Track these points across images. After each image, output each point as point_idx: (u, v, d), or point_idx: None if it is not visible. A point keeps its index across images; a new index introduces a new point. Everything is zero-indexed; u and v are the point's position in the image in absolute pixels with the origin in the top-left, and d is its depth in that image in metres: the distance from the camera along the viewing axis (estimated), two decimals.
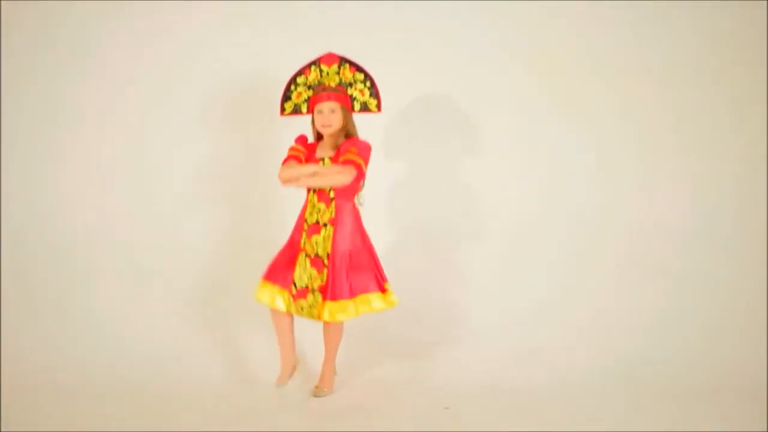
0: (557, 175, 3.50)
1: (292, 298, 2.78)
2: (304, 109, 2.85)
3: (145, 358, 3.18)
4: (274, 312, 2.81)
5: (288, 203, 3.01)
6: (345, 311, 2.73)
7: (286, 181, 2.75)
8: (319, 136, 2.86)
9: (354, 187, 2.79)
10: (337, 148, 2.79)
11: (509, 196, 3.49)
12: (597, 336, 3.26)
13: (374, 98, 2.84)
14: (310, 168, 2.74)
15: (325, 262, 2.75)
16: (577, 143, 3.49)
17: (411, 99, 3.47)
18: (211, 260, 3.50)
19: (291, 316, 2.83)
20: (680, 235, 3.43)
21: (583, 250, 3.47)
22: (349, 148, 2.74)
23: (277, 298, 2.77)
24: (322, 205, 2.79)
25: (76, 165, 3.54)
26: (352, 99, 2.83)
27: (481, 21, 3.48)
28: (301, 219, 2.83)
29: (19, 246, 3.50)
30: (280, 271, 2.79)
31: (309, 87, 2.83)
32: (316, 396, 2.88)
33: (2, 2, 3.47)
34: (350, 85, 2.83)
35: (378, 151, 2.90)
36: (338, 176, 2.70)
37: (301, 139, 2.86)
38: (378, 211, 2.94)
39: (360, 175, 2.75)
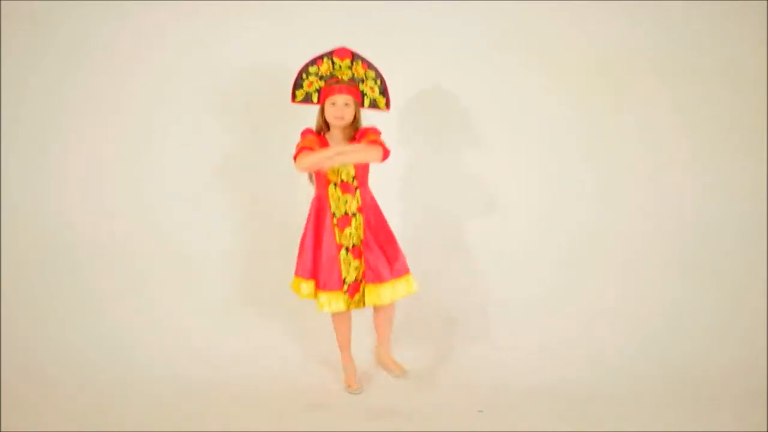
0: (568, 171, 3.51)
1: (348, 296, 2.83)
2: (315, 98, 2.88)
3: (147, 359, 3.18)
4: (336, 316, 2.90)
5: (293, 199, 3.02)
6: (393, 292, 2.82)
7: (308, 168, 2.74)
8: (322, 129, 2.88)
9: (367, 174, 2.86)
10: (351, 140, 2.82)
11: (527, 192, 3.51)
12: (613, 337, 3.27)
13: (383, 96, 2.88)
14: (334, 149, 2.71)
15: (361, 248, 2.82)
16: (587, 137, 3.50)
17: (419, 93, 3.47)
18: (216, 259, 3.51)
19: (350, 317, 2.93)
20: (689, 234, 3.44)
21: (591, 249, 3.48)
22: (368, 133, 2.79)
23: (336, 302, 2.82)
24: (348, 196, 2.83)
25: (79, 163, 3.52)
26: (363, 95, 2.86)
27: (489, 16, 3.47)
28: (320, 215, 2.85)
29: (19, 246, 3.48)
30: (327, 275, 2.83)
31: (321, 78, 2.85)
32: (398, 378, 2.93)
33: (2, 2, 3.47)
34: (362, 81, 2.86)
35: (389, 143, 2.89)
36: (370, 151, 2.71)
37: (308, 132, 2.86)
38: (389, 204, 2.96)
39: (386, 154, 2.76)
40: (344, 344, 2.98)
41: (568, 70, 3.47)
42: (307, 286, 2.87)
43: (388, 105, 2.88)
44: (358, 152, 2.72)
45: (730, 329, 3.26)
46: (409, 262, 2.92)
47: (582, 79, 3.46)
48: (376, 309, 2.93)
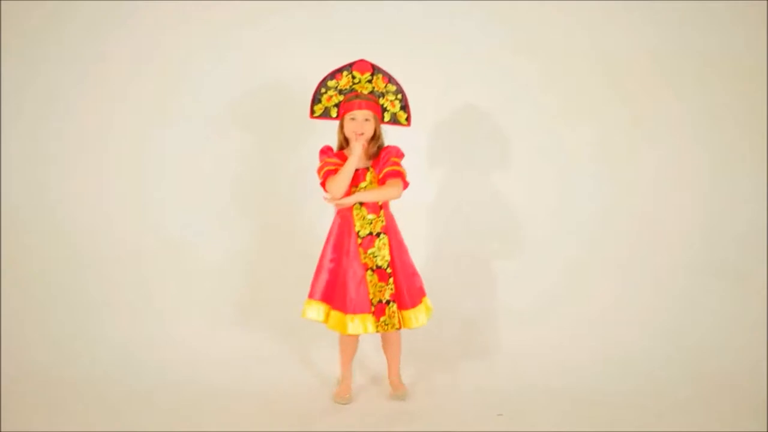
0: (579, 178, 3.54)
1: (374, 318, 2.75)
2: (333, 113, 2.82)
3: (147, 361, 3.16)
4: (347, 336, 2.80)
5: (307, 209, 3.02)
6: (423, 313, 2.79)
7: (339, 198, 2.72)
8: (342, 145, 2.82)
9: None
10: (375, 157, 2.78)
11: (549, 203, 3.54)
12: (624, 339, 3.28)
13: (404, 111, 2.83)
14: (355, 196, 2.72)
15: (389, 270, 2.76)
16: (600, 144, 3.53)
17: (438, 111, 3.48)
18: (219, 265, 3.51)
19: (358, 337, 2.84)
20: (697, 238, 3.47)
21: (601, 254, 3.50)
22: (390, 158, 2.75)
23: (364, 325, 2.73)
24: (373, 216, 2.77)
25: (82, 166, 3.53)
26: (383, 109, 2.81)
27: (498, 26, 3.51)
28: (342, 235, 2.78)
29: (20, 246, 3.47)
30: (354, 297, 2.74)
31: (340, 92, 2.80)
32: (399, 399, 2.86)
33: (2, 2, 3.47)
34: (382, 95, 2.80)
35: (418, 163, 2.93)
36: (391, 191, 2.73)
37: (328, 150, 2.80)
38: (418, 222, 2.93)
39: (405, 185, 2.76)
40: (348, 361, 2.90)
41: (581, 78, 3.51)
42: (316, 308, 2.78)
43: (408, 120, 2.83)
44: (378, 193, 2.74)
45: (734, 332, 3.26)
46: (429, 273, 2.90)
47: (592, 85, 3.52)
48: (386, 335, 2.87)
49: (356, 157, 2.71)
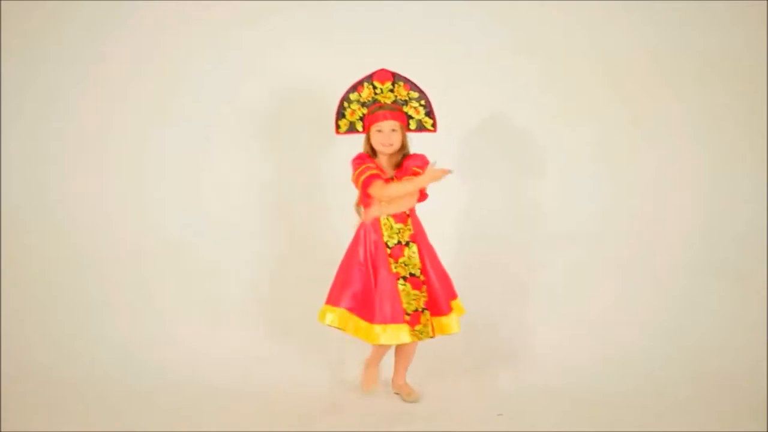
0: (589, 182, 3.53)
1: (410, 327, 2.71)
2: (359, 127, 2.78)
3: (148, 361, 3.16)
4: (380, 346, 2.78)
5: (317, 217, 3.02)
6: (451, 323, 2.75)
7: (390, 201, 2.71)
8: (370, 155, 2.78)
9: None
10: (399, 167, 2.75)
11: (549, 203, 3.52)
12: (626, 340, 3.27)
13: (429, 117, 2.79)
14: (378, 208, 2.71)
15: (421, 278, 2.74)
16: (602, 145, 3.51)
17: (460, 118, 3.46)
18: (217, 263, 3.51)
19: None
20: (702, 239, 3.47)
21: (603, 254, 3.50)
22: (412, 167, 2.72)
23: (398, 335, 2.69)
24: (400, 225, 2.75)
25: (82, 165, 3.52)
26: (408, 117, 2.77)
27: (498, 26, 3.49)
28: (368, 244, 2.74)
29: (21, 245, 3.47)
30: (386, 307, 2.69)
31: (363, 104, 2.76)
32: (410, 402, 2.86)
33: (2, 2, 3.46)
34: (405, 103, 2.77)
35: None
36: (409, 200, 2.72)
37: (366, 157, 2.75)
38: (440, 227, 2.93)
39: (423, 194, 2.74)
40: (378, 360, 2.88)
41: (581, 78, 3.50)
42: (338, 315, 2.72)
43: (435, 126, 2.80)
44: (394, 205, 2.71)
45: (734, 332, 3.27)
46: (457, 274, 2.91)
47: (592, 85, 3.50)
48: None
49: (423, 181, 2.66)
